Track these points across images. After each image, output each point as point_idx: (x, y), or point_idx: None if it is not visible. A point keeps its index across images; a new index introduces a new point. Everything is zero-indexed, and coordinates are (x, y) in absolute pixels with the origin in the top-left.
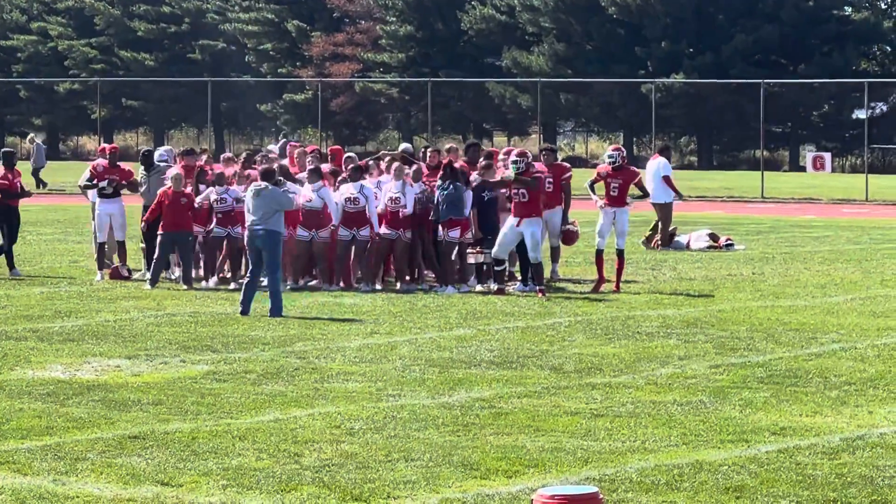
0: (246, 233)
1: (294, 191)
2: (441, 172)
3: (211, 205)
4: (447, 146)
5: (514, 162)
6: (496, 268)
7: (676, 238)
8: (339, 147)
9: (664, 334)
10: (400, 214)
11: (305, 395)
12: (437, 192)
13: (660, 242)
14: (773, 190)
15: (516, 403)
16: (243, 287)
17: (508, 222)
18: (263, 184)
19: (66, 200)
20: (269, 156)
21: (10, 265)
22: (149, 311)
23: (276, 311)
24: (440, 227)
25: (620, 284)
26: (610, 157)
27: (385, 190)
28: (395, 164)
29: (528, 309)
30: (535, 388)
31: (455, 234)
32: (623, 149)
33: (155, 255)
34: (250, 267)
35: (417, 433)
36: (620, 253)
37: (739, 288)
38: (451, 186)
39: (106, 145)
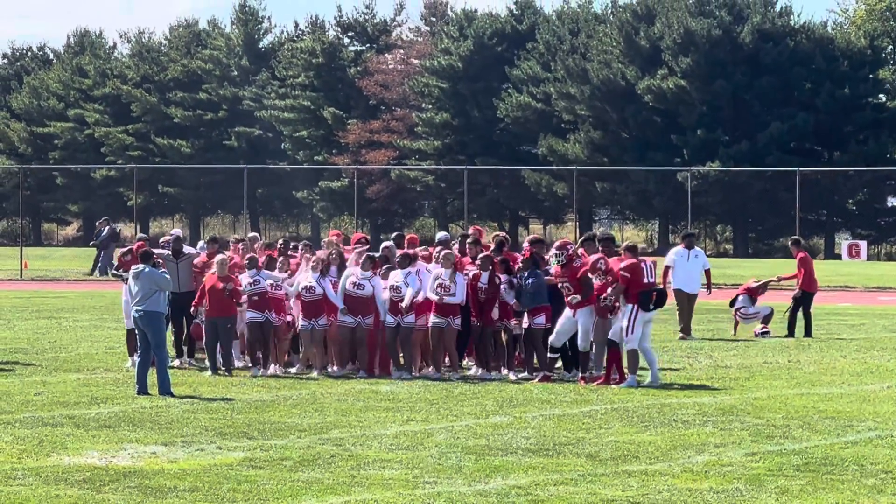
0: (133, 314)
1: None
2: (522, 261)
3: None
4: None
5: (556, 255)
6: (550, 355)
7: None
8: (415, 236)
9: (700, 422)
10: (448, 302)
11: (342, 482)
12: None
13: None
14: None
15: (553, 491)
16: (136, 367)
17: (565, 314)
18: (142, 266)
19: (102, 287)
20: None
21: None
22: (185, 397)
23: (163, 388)
24: (525, 315)
25: (610, 377)
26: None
27: (433, 277)
28: (444, 252)
29: (564, 396)
30: (571, 476)
31: (541, 320)
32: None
33: (204, 341)
34: (139, 347)
35: None
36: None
37: (775, 375)
38: (534, 275)
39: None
